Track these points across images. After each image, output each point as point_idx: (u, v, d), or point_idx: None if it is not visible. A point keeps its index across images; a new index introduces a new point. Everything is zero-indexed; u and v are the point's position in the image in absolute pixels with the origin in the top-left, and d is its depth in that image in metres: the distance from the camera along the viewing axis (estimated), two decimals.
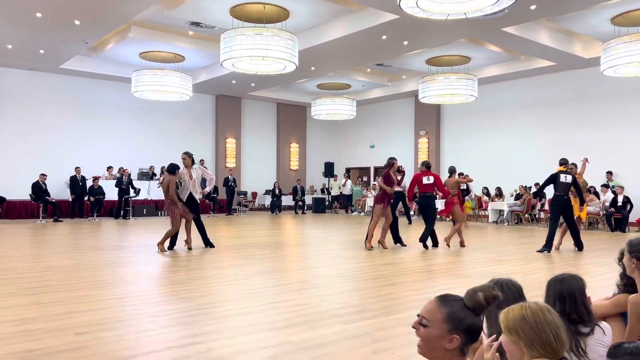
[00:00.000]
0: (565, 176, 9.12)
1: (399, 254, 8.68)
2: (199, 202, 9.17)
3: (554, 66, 15.23)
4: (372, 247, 9.09)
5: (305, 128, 23.02)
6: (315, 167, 22.96)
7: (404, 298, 5.40)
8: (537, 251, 8.95)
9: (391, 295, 5.50)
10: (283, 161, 22.29)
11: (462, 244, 9.52)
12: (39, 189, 14.96)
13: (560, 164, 9.33)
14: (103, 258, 7.85)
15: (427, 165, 9.53)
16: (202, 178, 9.36)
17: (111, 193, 16.32)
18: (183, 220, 8.84)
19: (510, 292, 2.22)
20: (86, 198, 16.06)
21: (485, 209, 16.43)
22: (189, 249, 8.78)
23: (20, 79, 16.39)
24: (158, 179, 18.20)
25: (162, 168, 18.72)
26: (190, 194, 8.92)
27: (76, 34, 12.66)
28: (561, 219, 9.37)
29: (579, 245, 9.10)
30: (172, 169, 8.80)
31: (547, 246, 8.93)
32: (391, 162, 9.40)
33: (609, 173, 14.54)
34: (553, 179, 9.23)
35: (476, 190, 17.30)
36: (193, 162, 9.13)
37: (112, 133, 18.06)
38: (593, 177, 14.56)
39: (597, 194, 13.82)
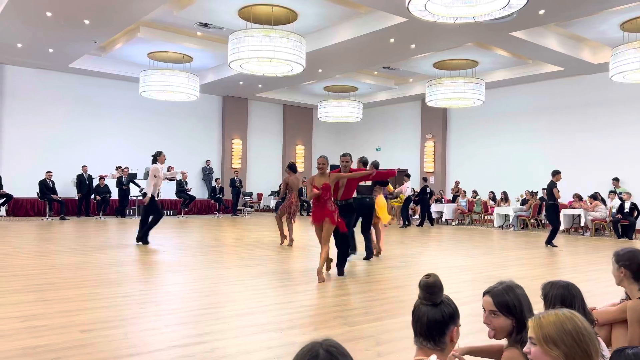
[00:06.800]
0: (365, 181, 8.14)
1: (406, 258, 8.66)
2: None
3: (562, 71, 15.16)
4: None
5: (312, 130, 23.04)
6: None
7: (409, 301, 5.38)
8: (364, 259, 8.16)
9: (396, 298, 5.49)
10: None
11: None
12: (45, 187, 15.05)
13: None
14: (108, 256, 7.89)
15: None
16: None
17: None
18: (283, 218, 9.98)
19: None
20: (92, 197, 16.13)
21: (491, 214, 16.37)
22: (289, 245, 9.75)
23: (29, 77, 16.49)
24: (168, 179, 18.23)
25: (169, 168, 18.76)
26: None
27: (85, 33, 12.74)
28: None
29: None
30: (292, 166, 10.03)
31: (369, 253, 8.21)
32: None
33: (616, 180, 14.45)
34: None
35: (482, 194, 17.25)
36: None
37: (119, 132, 18.14)
38: (599, 184, 14.50)
39: (603, 201, 13.73)
